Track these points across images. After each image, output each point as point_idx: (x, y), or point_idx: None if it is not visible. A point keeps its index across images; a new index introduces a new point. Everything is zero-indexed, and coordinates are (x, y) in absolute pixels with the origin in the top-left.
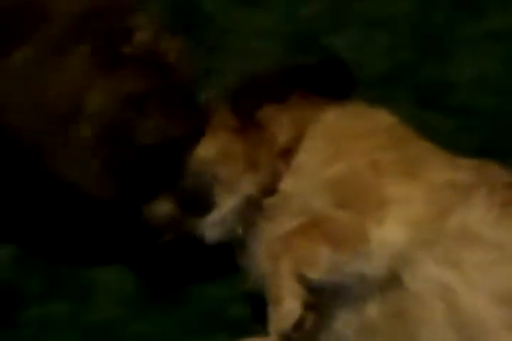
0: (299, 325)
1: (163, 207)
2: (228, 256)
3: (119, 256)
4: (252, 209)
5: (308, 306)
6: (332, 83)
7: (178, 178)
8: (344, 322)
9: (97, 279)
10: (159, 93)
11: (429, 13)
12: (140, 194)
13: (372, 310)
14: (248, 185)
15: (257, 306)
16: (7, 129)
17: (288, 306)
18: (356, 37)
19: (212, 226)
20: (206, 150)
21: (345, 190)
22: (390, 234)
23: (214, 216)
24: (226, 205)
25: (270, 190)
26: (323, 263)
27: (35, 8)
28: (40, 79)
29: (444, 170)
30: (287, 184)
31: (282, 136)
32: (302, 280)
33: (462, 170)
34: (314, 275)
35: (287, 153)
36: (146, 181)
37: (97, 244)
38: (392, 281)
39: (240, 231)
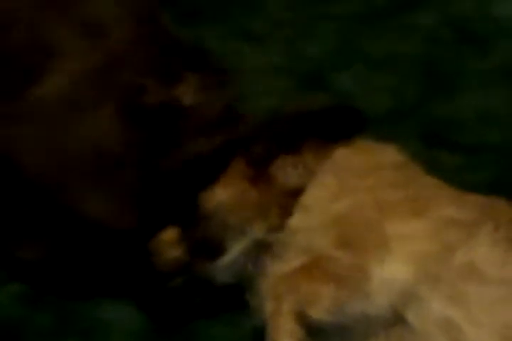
0: None
1: (172, 253)
2: (235, 294)
3: (127, 292)
4: (261, 249)
5: None
6: (343, 127)
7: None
8: None
9: (106, 316)
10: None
11: (436, 50)
12: (161, 221)
13: None
14: (258, 230)
15: None
16: (25, 167)
17: None
18: (363, 74)
19: (222, 270)
20: (219, 197)
21: (349, 228)
22: (392, 272)
23: (224, 260)
24: (236, 249)
25: (279, 227)
26: (325, 302)
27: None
28: (60, 125)
29: (450, 206)
30: (294, 220)
31: (293, 180)
32: (303, 320)
33: (468, 207)
34: (316, 314)
35: (297, 193)
36: (169, 206)
37: (107, 280)
38: (395, 319)
39: (248, 270)
